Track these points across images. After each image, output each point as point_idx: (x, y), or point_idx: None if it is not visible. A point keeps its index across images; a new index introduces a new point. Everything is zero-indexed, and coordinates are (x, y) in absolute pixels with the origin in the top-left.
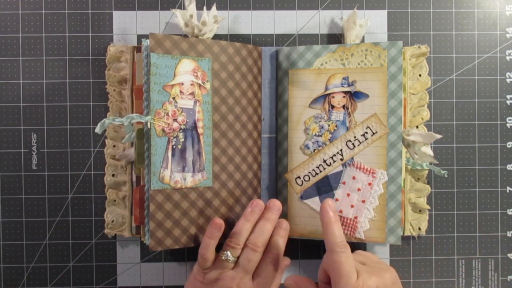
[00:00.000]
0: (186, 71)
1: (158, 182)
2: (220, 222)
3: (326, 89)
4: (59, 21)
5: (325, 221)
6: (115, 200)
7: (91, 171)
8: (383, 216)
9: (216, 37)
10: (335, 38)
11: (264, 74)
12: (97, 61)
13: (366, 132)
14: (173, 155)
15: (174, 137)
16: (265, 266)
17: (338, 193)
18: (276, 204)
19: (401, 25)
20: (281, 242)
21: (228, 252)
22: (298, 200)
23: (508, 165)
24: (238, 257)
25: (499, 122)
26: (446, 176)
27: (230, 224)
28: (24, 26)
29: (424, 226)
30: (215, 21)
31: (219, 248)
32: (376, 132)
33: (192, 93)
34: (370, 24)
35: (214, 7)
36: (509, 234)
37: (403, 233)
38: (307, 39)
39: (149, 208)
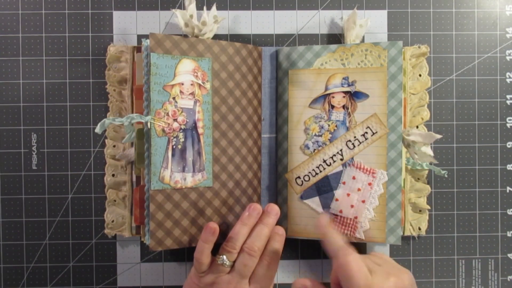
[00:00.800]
0: (186, 71)
1: (158, 182)
2: (214, 227)
3: (326, 89)
4: (59, 21)
5: (322, 233)
6: (115, 200)
7: (91, 171)
8: (383, 216)
9: (216, 37)
10: (335, 38)
11: (264, 74)
12: (97, 61)
13: (366, 132)
14: (173, 155)
15: (174, 137)
16: (262, 270)
17: (338, 193)
18: (274, 209)
19: (401, 25)
20: (278, 247)
21: (224, 257)
22: (298, 200)
23: (508, 165)
24: (234, 262)
25: (499, 122)
26: (446, 176)
27: (229, 225)
28: (24, 26)
29: (424, 226)
30: (215, 21)
31: (217, 249)
32: (376, 132)
33: (192, 93)
34: (370, 24)
35: (214, 7)
36: (509, 234)
37: (403, 233)
38: (307, 39)
39: (149, 208)
